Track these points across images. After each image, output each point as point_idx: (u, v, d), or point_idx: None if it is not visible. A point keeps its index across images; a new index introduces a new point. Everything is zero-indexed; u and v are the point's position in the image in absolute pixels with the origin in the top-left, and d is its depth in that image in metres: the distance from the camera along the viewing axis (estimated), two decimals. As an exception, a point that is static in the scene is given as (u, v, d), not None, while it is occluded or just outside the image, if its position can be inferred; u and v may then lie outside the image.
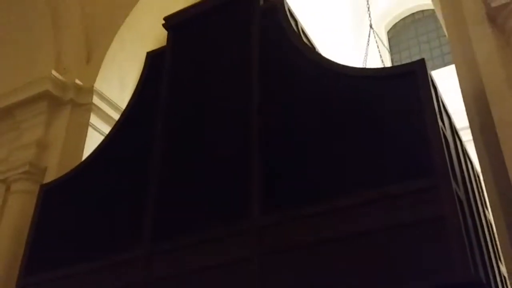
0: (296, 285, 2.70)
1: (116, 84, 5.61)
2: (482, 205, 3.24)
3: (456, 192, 2.51)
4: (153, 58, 4.11)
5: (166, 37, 4.11)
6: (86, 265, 3.42)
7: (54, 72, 5.22)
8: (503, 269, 3.12)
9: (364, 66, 9.81)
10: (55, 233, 3.77)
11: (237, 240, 2.95)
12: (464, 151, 3.27)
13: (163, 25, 4.15)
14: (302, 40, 3.51)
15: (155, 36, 5.71)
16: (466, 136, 3.50)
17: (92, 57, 5.59)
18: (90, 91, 5.30)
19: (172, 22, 4.12)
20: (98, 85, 5.37)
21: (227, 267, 2.93)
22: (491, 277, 2.65)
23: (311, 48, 3.55)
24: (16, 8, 5.83)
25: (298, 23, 3.73)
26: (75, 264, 3.48)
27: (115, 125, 4.11)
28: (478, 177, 3.56)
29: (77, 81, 5.31)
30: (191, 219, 3.20)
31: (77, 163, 4.31)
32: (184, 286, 3.04)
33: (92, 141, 4.96)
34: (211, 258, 2.99)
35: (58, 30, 5.68)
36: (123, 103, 5.19)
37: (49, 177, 4.68)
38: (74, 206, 3.82)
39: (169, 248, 3.16)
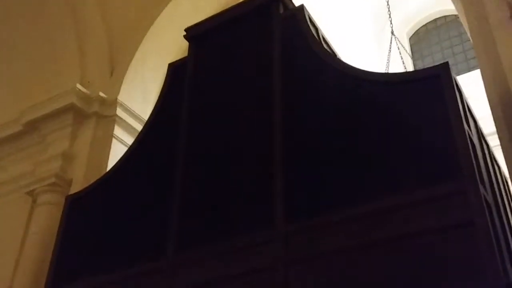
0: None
1: (139, 95, 5.66)
2: (510, 210, 3.17)
3: (484, 196, 2.46)
4: (174, 69, 4.14)
5: (187, 48, 4.14)
6: (112, 275, 3.44)
7: (78, 85, 5.30)
8: (535, 275, 3.04)
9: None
10: (81, 244, 3.81)
11: (261, 248, 2.93)
12: (492, 156, 3.21)
13: (184, 36, 4.19)
14: (323, 47, 3.50)
15: (177, 48, 5.77)
16: (493, 142, 3.42)
17: (116, 69, 5.67)
18: (114, 103, 5.36)
19: (193, 33, 4.15)
20: (122, 97, 5.43)
21: (252, 276, 2.91)
22: (522, 283, 2.58)
23: (333, 55, 3.54)
24: (41, 23, 5.94)
25: (319, 30, 3.72)
26: (100, 274, 3.50)
27: (138, 136, 4.15)
28: (506, 182, 3.48)
29: (101, 94, 5.38)
30: (215, 228, 3.19)
31: (101, 174, 4.36)
32: (209, 295, 3.03)
33: (116, 152, 5.01)
34: (235, 267, 2.98)
35: (82, 43, 5.77)
36: (146, 114, 5.24)
37: (75, 189, 4.73)
38: (99, 216, 3.85)
39: (194, 257, 3.16)
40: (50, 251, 4.00)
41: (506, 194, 3.26)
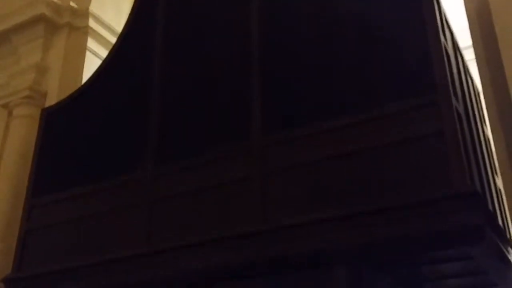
0: (297, 203, 2.75)
1: (112, 6, 5.47)
2: (480, 121, 3.26)
3: (456, 108, 2.52)
4: (148, -22, 3.98)
5: (161, -45, 3.96)
6: (91, 186, 3.50)
7: (48, -6, 5.10)
8: (499, 182, 3.20)
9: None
10: (59, 156, 3.83)
11: (238, 160, 2.99)
12: (466, 68, 3.25)
13: None
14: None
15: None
16: (469, 55, 3.45)
17: (86, -23, 5.42)
18: (86, 14, 5.19)
19: None
20: (94, 7, 5.25)
21: (230, 186, 2.98)
22: (486, 188, 2.71)
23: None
24: None
25: None
26: (80, 185, 3.56)
27: (112, 48, 4.06)
28: (478, 94, 3.55)
29: (72, 4, 5.19)
30: (193, 140, 3.23)
31: (77, 87, 4.30)
32: (187, 205, 3.11)
33: (91, 65, 4.92)
34: (214, 178, 3.04)
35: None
36: (119, 26, 5.09)
37: (50, 101, 4.69)
38: (77, 128, 3.85)
39: (173, 168, 3.22)
40: (28, 164, 4.03)
41: (478, 106, 3.34)
